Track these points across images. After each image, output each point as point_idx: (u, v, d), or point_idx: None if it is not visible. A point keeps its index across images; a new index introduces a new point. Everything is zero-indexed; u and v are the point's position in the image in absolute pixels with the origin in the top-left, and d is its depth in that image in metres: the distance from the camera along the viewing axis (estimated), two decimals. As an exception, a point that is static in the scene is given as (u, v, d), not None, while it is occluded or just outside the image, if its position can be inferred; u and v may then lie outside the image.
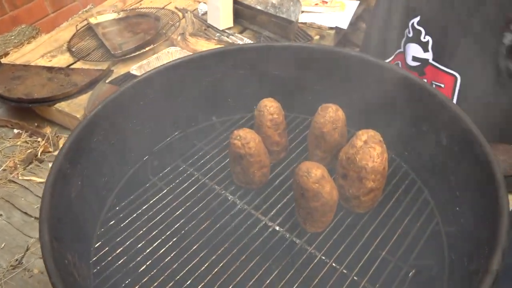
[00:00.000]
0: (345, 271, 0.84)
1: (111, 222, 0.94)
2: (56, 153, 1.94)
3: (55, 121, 2.06)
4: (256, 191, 0.99)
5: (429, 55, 1.96)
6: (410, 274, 0.82)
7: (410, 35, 1.98)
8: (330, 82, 1.10)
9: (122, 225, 0.93)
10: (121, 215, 0.95)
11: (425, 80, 2.04)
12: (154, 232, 0.91)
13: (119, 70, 2.18)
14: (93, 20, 2.42)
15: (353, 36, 2.76)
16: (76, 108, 1.96)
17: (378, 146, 0.84)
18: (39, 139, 2.02)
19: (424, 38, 1.94)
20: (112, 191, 1.00)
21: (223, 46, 1.13)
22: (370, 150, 0.84)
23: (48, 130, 2.06)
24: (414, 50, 2.00)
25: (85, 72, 2.15)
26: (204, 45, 2.16)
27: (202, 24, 2.41)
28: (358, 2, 2.51)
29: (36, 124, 2.08)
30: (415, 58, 2.01)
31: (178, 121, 1.12)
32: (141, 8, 2.61)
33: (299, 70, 1.12)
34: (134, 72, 1.99)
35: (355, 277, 0.82)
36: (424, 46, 1.96)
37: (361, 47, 2.32)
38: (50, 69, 2.15)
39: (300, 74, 1.12)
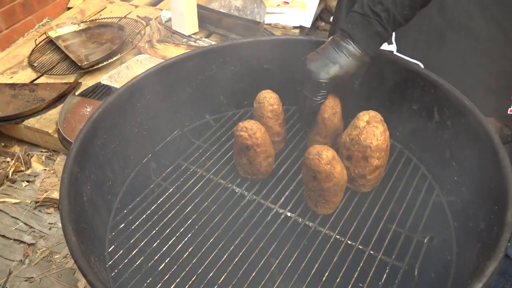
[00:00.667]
0: (360, 246, 0.88)
1: (121, 226, 0.92)
2: (29, 171, 1.86)
3: (23, 139, 1.98)
4: (262, 182, 1.02)
5: (393, 47, 2.07)
6: (426, 240, 0.87)
7: (374, 29, 2.09)
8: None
9: (132, 227, 0.92)
10: (130, 218, 0.94)
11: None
12: (168, 231, 0.91)
13: (87, 82, 2.13)
14: (53, 34, 2.36)
15: (314, 34, 2.87)
16: (46, 123, 1.90)
17: (380, 125, 0.89)
18: (8, 159, 1.93)
19: (388, 31, 2.05)
20: (116, 195, 0.98)
21: (211, 44, 1.15)
22: (373, 129, 0.89)
23: (17, 149, 1.97)
24: (379, 43, 2.12)
25: (52, 86, 2.09)
26: (173, 51, 2.16)
27: (167, 31, 2.41)
28: (318, 1, 2.61)
29: (2, 144, 1.98)
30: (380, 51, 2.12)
31: (174, 121, 1.13)
32: (102, 19, 2.57)
33: (287, 63, 1.16)
34: (105, 82, 1.96)
35: (371, 251, 0.87)
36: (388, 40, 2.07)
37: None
38: (12, 85, 2.07)
39: (289, 66, 1.16)
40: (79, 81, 2.12)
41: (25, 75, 2.17)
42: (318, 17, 2.90)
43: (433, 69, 2.01)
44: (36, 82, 2.15)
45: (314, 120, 0.98)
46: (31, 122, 1.92)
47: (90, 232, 0.81)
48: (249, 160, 0.97)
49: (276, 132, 1.04)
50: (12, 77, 2.14)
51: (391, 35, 0.89)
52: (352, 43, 0.89)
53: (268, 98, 1.01)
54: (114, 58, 2.18)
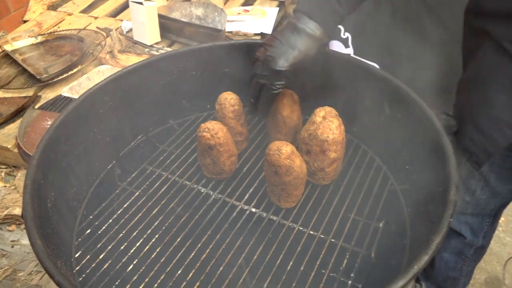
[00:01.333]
0: (322, 236, 0.93)
1: (87, 232, 0.93)
2: (-11, 188, 1.82)
3: (-18, 155, 1.93)
4: (227, 181, 1.05)
5: (350, 50, 2.17)
6: (381, 225, 0.93)
7: (332, 33, 2.18)
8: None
9: (99, 232, 0.93)
10: (96, 223, 0.95)
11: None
12: (135, 233, 0.93)
13: (47, 95, 2.11)
14: (8, 47, 2.32)
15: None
16: (5, 138, 1.86)
17: (335, 119, 0.95)
18: (-34, 176, 1.88)
19: (344, 35, 2.15)
20: (81, 202, 0.99)
21: (175, 49, 1.18)
22: (329, 123, 0.94)
23: (-25, 165, 1.92)
24: (336, 46, 2.20)
25: (9, 101, 2.05)
26: (135, 61, 2.17)
27: (129, 41, 2.42)
28: (278, 8, 2.69)
29: (-40, 163, 1.93)
30: (338, 54, 2.21)
31: (138, 126, 1.15)
32: (60, 31, 2.55)
33: (246, 66, 1.20)
34: (66, 94, 1.95)
35: (332, 240, 0.92)
36: (345, 42, 2.16)
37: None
38: (-32, 101, 2.02)
39: (247, 69, 1.20)
40: (39, 94, 2.10)
41: (-19, 91, 2.12)
42: (279, 23, 2.99)
43: (389, 71, 2.12)
44: (-7, 97, 2.10)
45: (269, 110, 0.98)
46: (-12, 138, 1.87)
47: (55, 237, 0.82)
48: (212, 160, 1.01)
49: (238, 132, 1.08)
50: (-34, 93, 2.09)
51: (346, 13, 0.91)
52: (309, 23, 0.86)
53: (229, 99, 1.05)
54: (75, 70, 2.17)
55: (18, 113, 1.95)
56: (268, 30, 2.55)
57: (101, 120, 1.05)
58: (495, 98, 0.94)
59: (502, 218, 2.05)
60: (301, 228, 0.95)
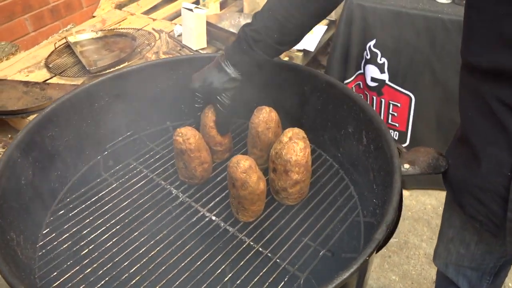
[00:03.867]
0: (269, 254, 0.93)
1: (61, 212, 1.02)
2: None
3: (28, 132, 2.14)
4: (198, 186, 1.09)
5: (385, 76, 2.12)
6: (320, 253, 0.91)
7: (368, 57, 2.14)
8: (272, 90, 1.22)
9: (70, 214, 1.02)
10: (70, 206, 1.04)
11: (374, 97, 2.19)
12: (100, 221, 1.00)
13: (94, 86, 2.28)
14: (71, 39, 2.56)
15: (322, 58, 2.94)
16: (49, 119, 2.05)
17: (301, 141, 0.95)
18: (11, 149, 2.09)
19: (380, 60, 2.10)
20: (64, 185, 1.09)
21: (177, 56, 1.25)
22: (294, 145, 0.95)
23: (20, 140, 2.13)
24: (372, 71, 2.16)
25: (61, 87, 2.26)
26: (176, 63, 2.29)
27: (177, 44, 2.55)
28: (326, 27, 2.68)
29: (9, 135, 2.17)
30: (373, 79, 2.17)
31: (134, 124, 1.23)
32: (119, 29, 2.75)
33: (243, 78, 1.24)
34: (106, 86, 2.09)
35: (277, 260, 0.92)
36: (381, 68, 2.12)
37: (326, 68, 2.48)
38: (26, 83, 2.26)
39: (245, 82, 1.24)
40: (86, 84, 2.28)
41: (40, 75, 2.37)
42: (329, 42, 2.97)
43: (425, 101, 2.04)
44: (48, 82, 2.33)
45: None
46: (35, 117, 2.07)
47: (22, 212, 0.91)
48: (184, 164, 1.05)
49: (218, 142, 1.12)
50: (28, 75, 2.34)
51: (261, 54, 0.98)
52: (225, 61, 1.02)
53: (213, 110, 1.09)
54: (121, 66, 2.33)
55: (65, 99, 2.14)
56: (311, 48, 2.55)
57: (96, 113, 1.14)
58: (486, 169, 0.87)
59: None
60: (251, 243, 0.95)
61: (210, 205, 1.04)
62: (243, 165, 0.91)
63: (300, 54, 2.54)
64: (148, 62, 1.19)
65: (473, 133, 0.90)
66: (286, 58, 2.53)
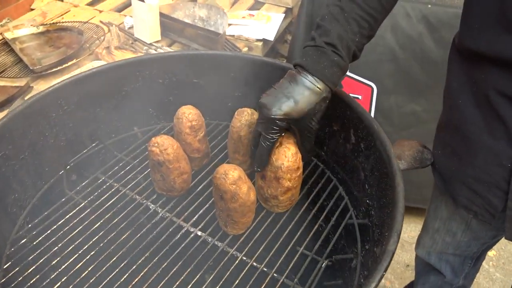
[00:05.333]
0: (265, 269, 0.86)
1: (23, 241, 0.89)
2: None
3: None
4: (178, 199, 1.00)
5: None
6: (323, 264, 0.86)
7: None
8: (248, 89, 1.14)
9: (35, 242, 0.89)
10: (34, 233, 0.91)
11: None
12: (70, 247, 0.88)
13: (40, 87, 2.09)
14: (8, 35, 2.31)
15: (281, 47, 2.88)
16: (-9, 127, 1.84)
17: (292, 146, 0.88)
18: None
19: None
20: (24, 208, 0.96)
21: (141, 55, 1.13)
22: (285, 150, 0.87)
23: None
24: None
25: (1, 90, 2.03)
26: (130, 58, 2.13)
27: (129, 38, 2.38)
28: (284, 15, 2.62)
29: None
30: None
31: (97, 132, 1.10)
32: (63, 22, 2.53)
33: (218, 78, 1.15)
34: (55, 87, 1.91)
35: (274, 274, 0.85)
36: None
37: (287, 59, 2.42)
38: (-40, 87, 2.01)
39: (219, 81, 1.15)
40: (31, 85, 2.08)
41: (-25, 77, 2.11)
42: (286, 30, 2.91)
43: (387, 90, 2.03)
44: (-15, 84, 2.09)
45: (267, 160, 0.87)
46: (-26, 125, 1.85)
47: (-22, 248, 0.78)
48: (162, 176, 0.95)
49: (196, 149, 1.03)
50: (-39, 79, 2.08)
51: (348, 64, 0.84)
52: (308, 76, 0.81)
53: (187, 114, 0.99)
54: (70, 63, 2.14)
55: (8, 102, 1.93)
56: (271, 37, 2.48)
57: (54, 124, 1.00)
58: (483, 161, 0.85)
59: (493, 252, 1.94)
60: (244, 258, 0.88)
61: (194, 218, 0.95)
62: (232, 176, 0.83)
63: (260, 43, 2.46)
64: (111, 64, 1.07)
65: (465, 122, 0.88)
66: (245, 49, 2.45)
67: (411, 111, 1.95)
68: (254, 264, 0.87)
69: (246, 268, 0.86)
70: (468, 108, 0.86)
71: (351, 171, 1.00)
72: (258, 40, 2.47)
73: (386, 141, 0.84)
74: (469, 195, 0.91)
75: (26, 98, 1.98)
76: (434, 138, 1.03)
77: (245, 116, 0.96)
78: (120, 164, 1.07)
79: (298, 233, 0.92)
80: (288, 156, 0.88)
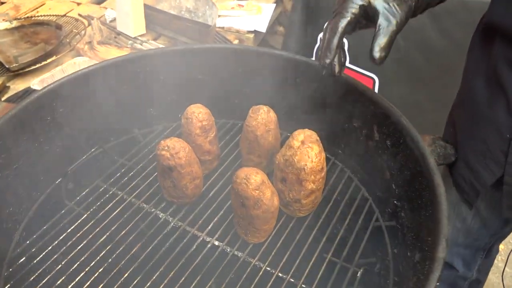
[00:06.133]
0: (292, 280, 0.82)
1: (21, 260, 0.83)
2: None
3: None
4: (189, 206, 0.95)
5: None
6: (358, 274, 0.82)
7: (325, 38, 2.06)
8: (258, 84, 1.10)
9: (35, 261, 0.82)
10: (33, 250, 0.84)
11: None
12: (75, 265, 0.82)
13: (17, 86, 1.99)
14: (-20, 31, 2.20)
15: (271, 39, 2.83)
16: (-35, 132, 1.74)
17: (316, 145, 0.84)
18: None
19: (341, 41, 2.04)
20: (19, 223, 0.89)
21: (140, 51, 1.07)
22: (308, 150, 0.83)
23: None
24: (331, 53, 2.09)
25: (-25, 90, 1.93)
26: (116, 54, 2.06)
27: (111, 32, 2.30)
28: (274, 5, 2.57)
29: None
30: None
31: (95, 136, 1.04)
32: (38, 16, 2.42)
33: (224, 73, 1.10)
34: (35, 87, 1.83)
35: (303, 285, 0.81)
36: (341, 50, 2.06)
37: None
38: None
39: (226, 77, 1.10)
40: (7, 84, 1.98)
41: None
42: (276, 21, 2.87)
43: (389, 81, 2.01)
44: (-43, 85, 1.98)
45: (336, 49, 0.76)
46: None
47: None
48: (173, 182, 0.90)
49: (207, 151, 0.98)
50: None
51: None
52: None
53: (197, 114, 0.94)
54: (49, 60, 2.05)
55: (-17, 104, 1.83)
56: (262, 28, 2.43)
57: (49, 129, 0.94)
58: (483, 132, 0.89)
59: (502, 246, 1.95)
60: (268, 269, 0.84)
61: (209, 227, 0.90)
62: (255, 181, 0.78)
63: (251, 36, 2.41)
64: (107, 61, 1.00)
65: (472, 97, 0.92)
66: (236, 41, 2.39)
67: (414, 101, 1.94)
68: (280, 274, 0.83)
69: (272, 280, 0.82)
70: (478, 83, 0.89)
71: (374, 170, 0.97)
72: (249, 32, 2.42)
73: (418, 138, 0.81)
74: (461, 170, 0.95)
75: (3, 99, 1.88)
76: (446, 121, 1.05)
77: (261, 114, 0.92)
78: (122, 170, 1.01)
79: (324, 239, 0.88)
80: (311, 156, 0.84)
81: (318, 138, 0.86)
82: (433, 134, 1.03)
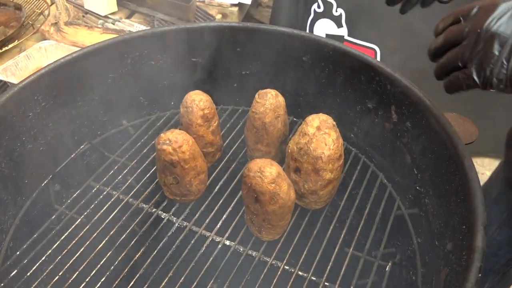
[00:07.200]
0: (313, 278, 0.83)
1: (12, 273, 0.81)
2: None
3: None
4: (194, 203, 0.94)
5: (343, 31, 2.05)
6: (387, 268, 0.84)
7: (320, 10, 2.05)
8: (258, 65, 1.09)
9: (28, 274, 0.81)
10: (24, 262, 0.82)
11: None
12: (75, 275, 0.81)
13: (-24, 76, 1.92)
14: None
15: (256, 12, 2.80)
16: None
17: (333, 131, 0.84)
18: None
19: (336, 11, 2.03)
20: (6, 233, 0.87)
21: (118, 35, 1.05)
22: (325, 137, 0.83)
23: None
24: (326, 26, 2.08)
25: None
26: (86, 36, 2.01)
27: (78, 11, 2.24)
28: (259, -26, 2.54)
29: None
30: (329, 36, 2.09)
31: (81, 130, 1.02)
32: (-7, -4, 2.33)
33: (220, 55, 1.09)
34: (-1, 76, 1.77)
35: (326, 283, 0.82)
36: (338, 21, 2.04)
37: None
38: None
39: (222, 58, 1.09)
40: (-35, 75, 1.91)
41: None
42: (260, -8, 2.84)
43: (390, 51, 2.02)
44: None
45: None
46: None
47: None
48: (176, 179, 0.89)
49: (209, 142, 0.97)
50: None
51: None
52: None
53: (198, 102, 0.92)
54: (10, 46, 1.99)
55: None
56: (248, 0, 2.40)
57: (32, 126, 0.91)
58: None
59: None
60: (287, 268, 0.84)
61: (218, 225, 0.90)
62: (270, 174, 0.78)
63: (235, 9, 2.38)
64: (91, 47, 0.97)
65: None
66: (219, 16, 2.36)
67: (417, 68, 1.96)
68: (300, 273, 0.84)
69: (292, 279, 0.82)
70: None
71: (392, 154, 0.98)
72: (233, 5, 2.39)
73: (443, 119, 0.82)
74: None
75: (-38, 91, 1.82)
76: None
77: (269, 99, 0.91)
78: (115, 168, 0.99)
79: (344, 232, 0.89)
80: (328, 143, 0.84)
81: (334, 123, 0.86)
82: (451, 112, 1.04)
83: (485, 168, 2.18)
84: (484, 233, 0.66)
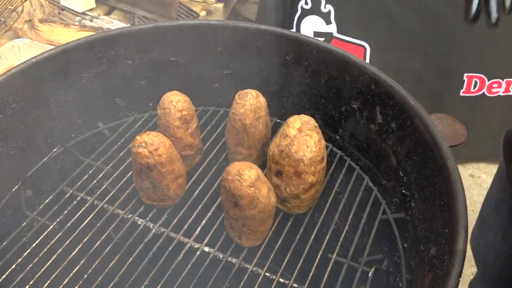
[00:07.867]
0: (295, 285, 0.85)
1: (-18, 284, 0.82)
2: None
3: None
4: (172, 209, 0.96)
5: (332, 28, 2.08)
6: (370, 274, 0.86)
7: (308, 6, 2.08)
8: (239, 64, 1.11)
9: (-3, 285, 0.82)
10: (-7, 272, 0.84)
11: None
12: (45, 285, 0.82)
13: None
14: None
15: (243, 9, 2.82)
16: None
17: (315, 133, 0.87)
18: None
19: (325, 7, 2.05)
20: (-27, 241, 0.88)
21: (95, 33, 1.06)
22: (307, 138, 0.85)
23: None
24: (315, 23, 2.11)
25: None
26: (62, 34, 2.02)
27: (54, 7, 2.25)
28: (245, -31, 2.56)
29: None
30: (317, 34, 2.12)
31: (54, 133, 1.03)
32: (-38, -9, 2.33)
33: (200, 54, 1.10)
34: (-32, 76, 1.77)
35: (308, 290, 0.84)
36: (326, 18, 2.07)
37: (257, 21, 2.38)
38: None
39: (202, 58, 1.11)
40: None
41: None
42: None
43: (380, 49, 2.05)
44: None
45: None
46: None
47: None
48: (152, 183, 0.90)
49: (188, 145, 0.98)
50: None
51: None
52: None
53: (175, 103, 0.94)
54: (-18, 44, 1.99)
55: None
56: (233, -4, 2.42)
57: (1, 129, 0.92)
58: None
59: None
60: (267, 275, 0.86)
61: (197, 232, 0.91)
62: (249, 177, 0.80)
63: (220, 5, 2.41)
64: (66, 44, 0.99)
65: None
66: (203, 13, 2.38)
67: (409, 67, 1.99)
68: (281, 280, 0.86)
69: (273, 287, 0.84)
70: None
71: (378, 156, 1.00)
72: (218, 1, 2.41)
73: (428, 119, 0.85)
74: None
75: None
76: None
77: (249, 100, 0.93)
78: (90, 172, 1.01)
79: (327, 237, 0.91)
80: (310, 145, 0.86)
81: (316, 124, 0.88)
82: (439, 112, 1.06)
83: (481, 171, 2.22)
84: (466, 236, 0.69)
